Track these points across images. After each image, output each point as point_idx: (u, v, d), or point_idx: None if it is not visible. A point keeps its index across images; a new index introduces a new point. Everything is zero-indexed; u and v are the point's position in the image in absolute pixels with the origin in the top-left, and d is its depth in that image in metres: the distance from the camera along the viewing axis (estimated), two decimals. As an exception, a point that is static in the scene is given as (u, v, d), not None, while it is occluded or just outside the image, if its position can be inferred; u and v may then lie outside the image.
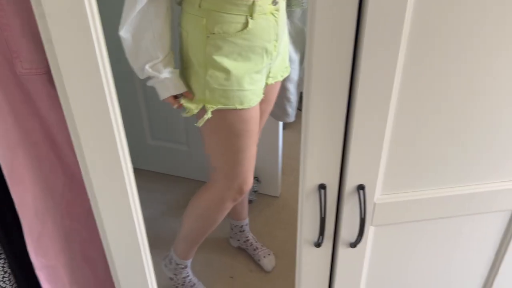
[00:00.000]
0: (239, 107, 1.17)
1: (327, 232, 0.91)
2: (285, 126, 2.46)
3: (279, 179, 2.19)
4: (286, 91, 1.71)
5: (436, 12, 0.68)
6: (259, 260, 1.84)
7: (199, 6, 1.07)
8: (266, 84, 1.29)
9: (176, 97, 1.18)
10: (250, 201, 2.05)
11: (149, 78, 1.14)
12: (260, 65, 1.17)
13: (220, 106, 1.16)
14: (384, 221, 0.91)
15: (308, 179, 0.85)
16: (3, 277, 1.04)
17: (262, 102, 1.34)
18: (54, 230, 0.98)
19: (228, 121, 1.21)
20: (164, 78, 1.12)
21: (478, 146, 0.85)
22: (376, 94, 0.74)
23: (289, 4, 1.44)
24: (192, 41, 1.11)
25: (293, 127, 2.51)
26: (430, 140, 0.83)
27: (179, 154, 2.19)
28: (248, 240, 1.87)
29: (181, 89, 1.16)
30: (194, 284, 1.68)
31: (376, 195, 0.88)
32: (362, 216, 0.86)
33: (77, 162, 0.98)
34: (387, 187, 0.87)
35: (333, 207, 0.89)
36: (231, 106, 1.16)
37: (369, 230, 0.92)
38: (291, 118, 1.86)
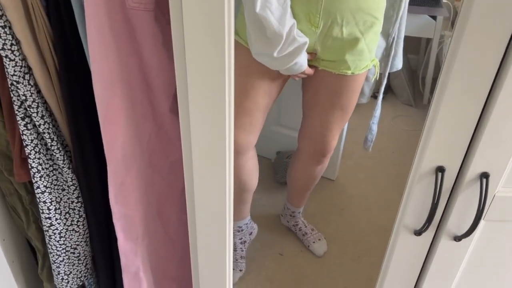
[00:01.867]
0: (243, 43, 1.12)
1: (433, 221, 0.83)
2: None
3: (338, 162, 2.10)
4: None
5: None
6: (308, 246, 1.78)
7: None
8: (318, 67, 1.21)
9: None
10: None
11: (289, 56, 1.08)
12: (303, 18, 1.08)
13: (236, 37, 1.13)
14: (500, 217, 0.82)
15: (427, 159, 0.76)
16: (78, 221, 1.01)
17: (323, 92, 1.27)
18: (137, 178, 0.94)
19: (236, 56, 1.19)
20: (305, 41, 1.07)
21: None
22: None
23: None
24: None
25: (358, 110, 2.41)
26: None
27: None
28: (297, 225, 1.81)
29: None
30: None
31: (499, 187, 0.79)
32: (481, 208, 0.77)
33: (167, 110, 0.93)
34: (513, 180, 0.78)
35: (446, 193, 0.80)
36: (237, 38, 1.13)
37: (479, 224, 0.84)
38: (365, 100, 1.76)
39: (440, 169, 0.77)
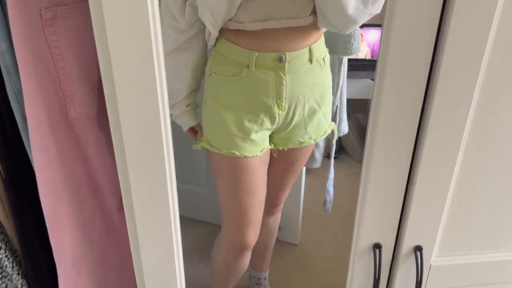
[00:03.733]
0: (224, 152, 1.14)
1: (378, 294, 0.87)
2: (306, 171, 2.43)
3: (299, 226, 2.14)
4: (316, 137, 1.69)
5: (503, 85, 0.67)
6: (279, 313, 1.77)
7: (214, 46, 1.11)
8: (285, 147, 1.26)
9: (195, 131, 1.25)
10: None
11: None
12: (254, 116, 1.13)
13: (207, 146, 1.17)
14: (440, 285, 0.87)
15: (363, 238, 0.81)
16: (30, 327, 0.99)
17: (282, 161, 1.31)
18: (89, 279, 0.94)
19: (218, 165, 1.20)
20: (179, 113, 1.20)
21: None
22: (441, 155, 0.72)
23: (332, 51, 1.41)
24: (205, 76, 1.19)
25: (314, 173, 2.48)
26: (492, 202, 0.80)
27: (198, 197, 2.15)
28: (265, 293, 1.81)
29: (191, 123, 1.23)
30: None
31: (433, 257, 0.84)
32: (419, 279, 0.81)
33: (115, 208, 0.95)
34: (445, 249, 0.84)
35: (386, 268, 0.85)
36: (215, 150, 1.16)
37: (422, 294, 0.88)
38: (318, 164, 1.84)
39: (377, 246, 0.82)
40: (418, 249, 0.81)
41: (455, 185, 0.77)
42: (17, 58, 0.76)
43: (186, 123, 1.24)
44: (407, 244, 0.81)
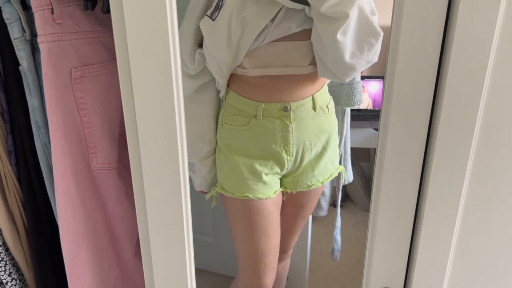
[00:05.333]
0: (238, 195, 1.19)
1: None
2: (313, 220, 2.45)
3: (307, 276, 2.13)
4: (322, 185, 1.73)
5: (503, 121, 0.73)
6: None
7: (224, 99, 1.19)
8: (293, 191, 1.30)
9: None
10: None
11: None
12: (264, 161, 1.19)
13: (222, 191, 1.21)
14: (449, 330, 0.88)
15: (372, 283, 0.84)
16: None
17: (292, 205, 1.35)
18: (105, 326, 0.96)
19: (232, 210, 1.23)
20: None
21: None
22: (445, 201, 0.76)
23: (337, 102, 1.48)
24: (218, 127, 1.24)
25: (320, 222, 2.50)
26: (495, 246, 0.83)
27: (205, 247, 2.16)
28: None
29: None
30: None
31: (441, 302, 0.86)
32: (428, 324, 0.83)
33: (131, 254, 0.98)
34: (452, 293, 0.86)
35: (396, 312, 0.86)
36: (229, 194, 1.20)
37: None
38: (324, 212, 1.86)
39: (386, 291, 0.84)
40: (426, 293, 0.83)
41: (459, 230, 0.80)
42: (48, 114, 0.82)
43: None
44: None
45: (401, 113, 0.72)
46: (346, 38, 1.01)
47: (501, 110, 0.72)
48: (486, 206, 0.79)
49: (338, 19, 0.99)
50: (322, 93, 1.20)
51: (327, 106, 1.22)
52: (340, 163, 1.67)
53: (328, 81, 1.25)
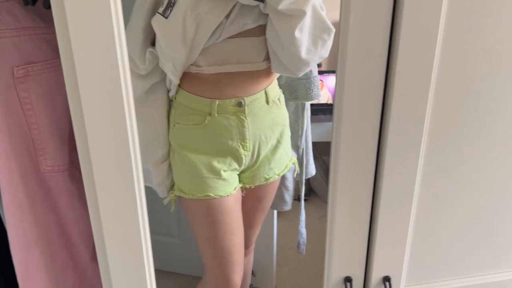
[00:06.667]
0: (199, 195, 1.17)
1: (353, 328, 0.89)
2: (278, 215, 2.46)
3: (274, 271, 2.13)
4: (285, 179, 1.73)
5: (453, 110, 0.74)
6: None
7: (175, 98, 1.17)
8: (252, 185, 1.30)
9: None
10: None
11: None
12: (222, 158, 1.18)
13: (181, 194, 1.19)
14: (410, 314, 0.90)
15: (334, 272, 0.84)
16: None
17: (251, 199, 1.35)
18: (62, 335, 0.92)
19: (194, 211, 1.22)
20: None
21: (500, 234, 0.87)
22: (400, 190, 0.78)
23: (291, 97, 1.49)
24: (169, 128, 1.21)
25: (285, 216, 2.50)
26: (451, 232, 0.85)
27: (170, 248, 2.13)
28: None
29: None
30: None
31: (402, 287, 0.87)
32: (390, 309, 0.84)
33: (88, 258, 0.95)
34: (413, 277, 0.87)
35: (359, 300, 0.87)
36: (189, 196, 1.18)
37: (394, 325, 0.90)
38: (289, 207, 1.87)
39: (348, 279, 0.84)
40: (386, 279, 0.84)
41: (415, 218, 0.82)
42: (-11, 114, 0.78)
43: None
44: (375, 275, 0.84)
45: (353, 105, 0.72)
46: (303, 34, 1.02)
47: (451, 97, 0.74)
48: (440, 191, 0.81)
49: (295, 16, 1.00)
50: (273, 87, 1.21)
51: (278, 99, 1.24)
52: (302, 157, 1.68)
53: (278, 75, 1.27)
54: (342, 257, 0.83)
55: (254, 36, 1.10)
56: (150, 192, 1.23)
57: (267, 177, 1.30)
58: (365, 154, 0.75)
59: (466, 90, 0.74)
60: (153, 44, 1.10)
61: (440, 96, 0.73)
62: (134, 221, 0.77)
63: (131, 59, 1.11)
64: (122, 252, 0.79)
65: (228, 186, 1.21)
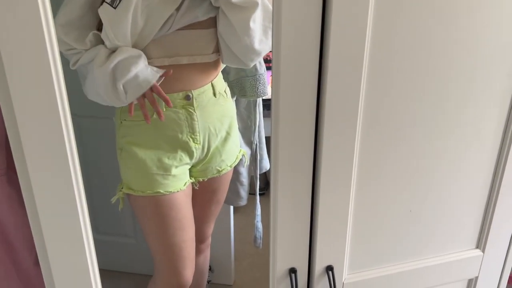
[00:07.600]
0: (148, 192, 1.17)
1: (300, 317, 0.91)
2: (235, 210, 2.47)
3: (233, 266, 2.15)
4: (239, 175, 1.75)
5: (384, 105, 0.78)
6: None
7: None
8: (205, 178, 1.31)
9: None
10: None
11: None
12: (173, 153, 1.18)
13: (130, 192, 1.18)
14: (354, 301, 0.93)
15: (279, 264, 0.86)
16: None
17: (204, 192, 1.36)
18: None
19: (143, 208, 1.21)
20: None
21: (433, 220, 0.92)
22: (337, 179, 0.80)
23: (240, 94, 1.51)
24: (116, 126, 1.20)
25: (242, 211, 2.52)
26: (388, 219, 0.89)
27: (127, 249, 2.10)
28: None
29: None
30: None
31: (345, 275, 0.90)
32: (334, 298, 0.87)
33: (32, 263, 0.93)
34: (355, 265, 0.91)
35: (304, 290, 0.90)
36: (138, 193, 1.17)
37: (339, 313, 0.94)
38: (244, 202, 1.89)
39: (292, 270, 0.87)
40: (329, 269, 0.87)
41: (353, 209, 0.85)
42: None
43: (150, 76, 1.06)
44: (319, 265, 0.87)
45: (289, 100, 0.74)
46: (256, 25, 1.06)
47: (383, 84, 0.76)
48: (376, 183, 0.85)
49: (248, 8, 1.04)
50: (219, 79, 1.24)
51: (225, 91, 1.26)
52: (256, 152, 1.71)
53: (223, 67, 1.28)
54: (285, 249, 0.85)
55: (204, 29, 1.11)
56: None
57: (220, 169, 1.31)
58: (303, 149, 0.77)
59: (396, 81, 0.77)
60: (99, 29, 1.07)
61: (372, 85, 0.75)
62: (74, 221, 0.76)
63: (65, 44, 1.06)
64: (64, 254, 0.78)
65: (178, 182, 1.21)
